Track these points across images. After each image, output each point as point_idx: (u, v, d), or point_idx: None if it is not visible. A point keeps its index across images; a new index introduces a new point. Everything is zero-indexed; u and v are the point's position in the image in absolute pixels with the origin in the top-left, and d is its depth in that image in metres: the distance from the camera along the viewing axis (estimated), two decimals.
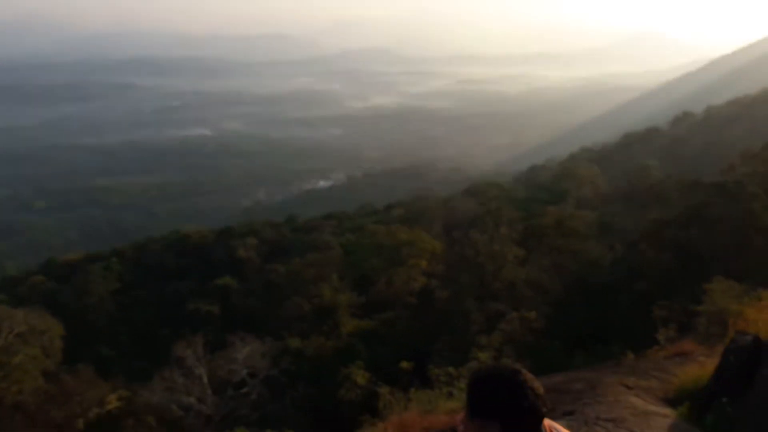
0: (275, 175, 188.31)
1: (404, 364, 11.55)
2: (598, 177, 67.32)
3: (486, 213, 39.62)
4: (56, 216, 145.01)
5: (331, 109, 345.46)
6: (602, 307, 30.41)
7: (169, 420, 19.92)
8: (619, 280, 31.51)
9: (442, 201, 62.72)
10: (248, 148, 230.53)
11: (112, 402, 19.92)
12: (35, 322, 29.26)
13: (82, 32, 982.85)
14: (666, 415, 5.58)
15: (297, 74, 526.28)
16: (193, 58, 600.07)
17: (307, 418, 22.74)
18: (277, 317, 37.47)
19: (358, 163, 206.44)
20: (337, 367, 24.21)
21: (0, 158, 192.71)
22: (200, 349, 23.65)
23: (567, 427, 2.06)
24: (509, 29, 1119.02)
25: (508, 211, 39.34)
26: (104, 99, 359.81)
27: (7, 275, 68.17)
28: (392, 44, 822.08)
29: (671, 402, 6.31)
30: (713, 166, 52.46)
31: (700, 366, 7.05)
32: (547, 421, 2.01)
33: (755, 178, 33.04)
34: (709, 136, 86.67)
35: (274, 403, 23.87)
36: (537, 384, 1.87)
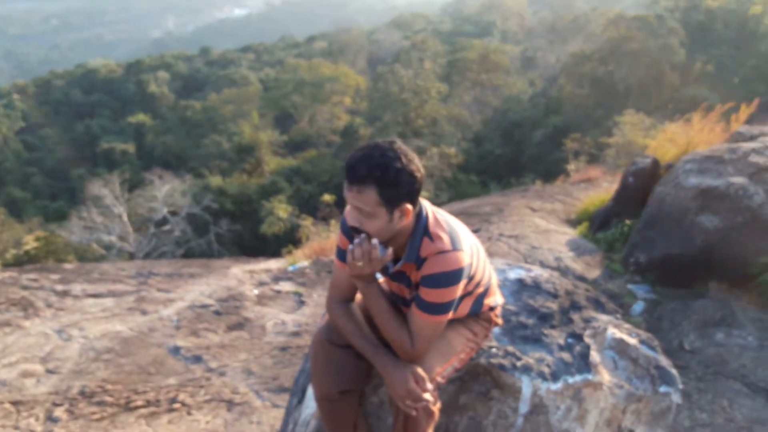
0: (186, 3, 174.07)
1: (326, 197, 11.68)
2: (525, 9, 66.19)
3: (411, 47, 38.61)
4: None
5: None
6: (519, 141, 31.53)
7: (90, 259, 19.84)
8: (536, 115, 32.39)
9: (366, 33, 60.36)
10: None
11: (30, 242, 19.48)
12: None
13: None
14: (565, 233, 6.03)
15: None
16: None
17: (231, 252, 23.27)
18: (197, 156, 36.67)
19: None
20: (260, 202, 24.41)
21: None
22: (117, 188, 23.10)
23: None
24: None
25: (433, 45, 38.47)
26: None
27: None
28: None
29: (573, 223, 6.80)
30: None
31: (604, 191, 7.56)
32: (428, 204, 2.05)
33: (676, 14, 33.42)
34: None
35: (198, 239, 24.15)
36: (412, 153, 1.88)
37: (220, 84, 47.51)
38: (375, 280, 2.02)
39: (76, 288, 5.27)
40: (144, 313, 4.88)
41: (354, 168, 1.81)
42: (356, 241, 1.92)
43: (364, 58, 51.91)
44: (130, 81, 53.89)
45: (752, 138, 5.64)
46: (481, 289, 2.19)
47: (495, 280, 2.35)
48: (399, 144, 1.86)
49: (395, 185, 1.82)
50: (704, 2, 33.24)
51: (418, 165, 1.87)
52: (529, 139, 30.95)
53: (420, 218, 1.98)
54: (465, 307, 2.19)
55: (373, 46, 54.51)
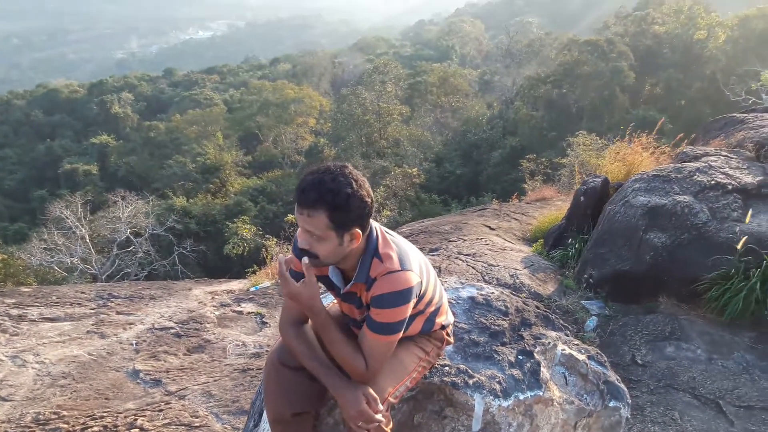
0: (150, 24, 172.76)
1: (290, 217, 11.70)
2: (482, 34, 67.69)
3: (374, 70, 39.06)
4: None
5: None
6: (478, 161, 32.12)
7: (51, 281, 19.31)
8: (494, 136, 33.07)
9: (329, 56, 60.84)
10: None
11: None
12: None
13: None
14: (521, 251, 6.18)
15: None
16: None
17: (195, 273, 22.94)
18: (161, 176, 36.22)
19: (239, 12, 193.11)
20: (225, 223, 24.17)
21: None
22: (80, 209, 22.62)
23: (431, 260, 2.20)
24: None
25: (395, 68, 39.01)
26: None
27: None
28: None
29: (529, 241, 6.97)
30: (591, 24, 54.22)
31: (557, 209, 7.77)
32: (378, 225, 2.09)
33: (626, 38, 34.61)
34: None
35: (162, 260, 23.77)
36: (363, 178, 1.92)
37: (185, 105, 47.20)
38: (322, 310, 2.02)
39: (33, 312, 5.17)
40: (103, 336, 4.82)
41: (305, 192, 1.85)
42: (281, 257, 1.96)
43: (328, 80, 52.27)
44: (93, 101, 53.12)
45: (696, 158, 5.89)
46: (432, 308, 2.22)
47: (446, 299, 2.38)
48: (350, 169, 1.91)
49: (346, 210, 1.85)
50: (652, 28, 34.51)
51: (368, 190, 1.91)
52: (487, 160, 31.57)
53: (370, 239, 2.02)
54: (417, 326, 2.23)
55: (336, 68, 54.97)
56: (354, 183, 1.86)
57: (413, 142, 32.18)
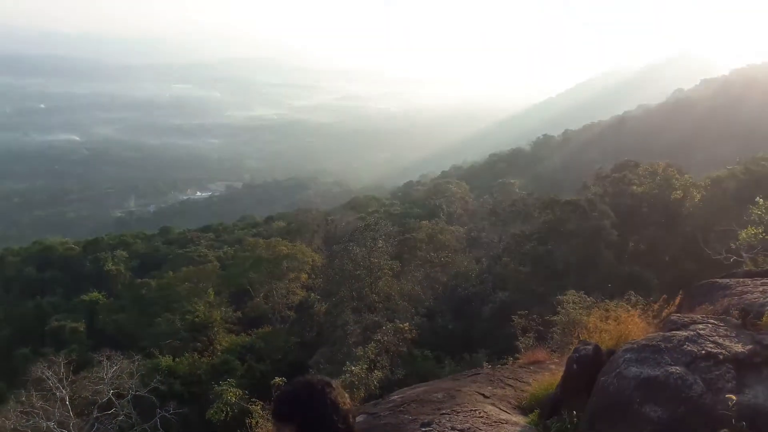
0: (149, 185, 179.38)
1: (277, 380, 11.44)
2: (467, 194, 70.74)
3: (365, 227, 40.19)
4: None
5: (211, 118, 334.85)
6: (469, 316, 32.04)
7: None
8: (484, 291, 33.31)
9: (323, 214, 62.87)
10: (121, 155, 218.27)
11: None
12: None
13: None
14: (516, 423, 6.01)
15: (176, 80, 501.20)
16: (62, 58, 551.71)
17: None
18: (149, 334, 35.63)
19: (238, 174, 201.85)
20: (211, 384, 23.39)
21: None
22: (62, 370, 21.95)
23: None
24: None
25: (385, 226, 40.19)
26: None
27: None
28: (278, 55, 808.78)
29: (524, 409, 6.79)
30: (570, 184, 57.05)
31: (551, 374, 7.66)
32: None
33: (606, 198, 36.25)
34: (566, 157, 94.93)
35: (143, 423, 22.68)
36: (343, 399, 1.93)
37: (179, 262, 47.74)
38: None
39: None
40: None
41: (279, 404, 1.89)
42: None
43: (321, 236, 53.48)
44: (87, 259, 53.68)
45: (685, 326, 5.96)
46: None
47: None
48: (332, 388, 1.92)
49: (316, 428, 1.87)
50: (630, 188, 36.31)
51: (345, 413, 1.92)
52: (479, 314, 31.50)
53: None
54: None
55: (329, 225, 56.50)
56: (330, 402, 1.89)
57: (404, 297, 32.23)
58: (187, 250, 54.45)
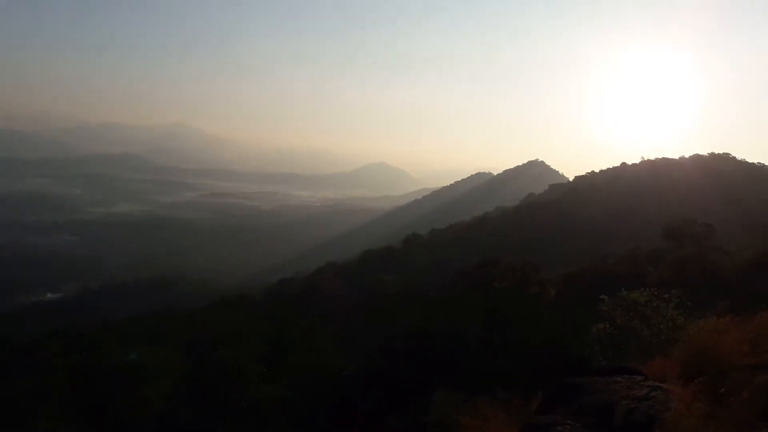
0: None
1: None
2: (341, 290, 70.96)
3: (235, 329, 38.64)
4: None
5: (68, 215, 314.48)
6: (344, 419, 31.08)
7: None
8: (358, 390, 32.74)
9: (187, 315, 59.71)
10: None
11: None
12: None
13: None
14: None
15: (31, 174, 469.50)
16: None
17: None
18: None
19: (96, 274, 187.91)
20: None
21: None
22: None
23: None
24: (265, 150, 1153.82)
25: (257, 326, 38.90)
26: None
27: None
28: (144, 152, 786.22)
29: None
30: (437, 279, 59.34)
31: None
32: None
33: (470, 294, 37.91)
34: (433, 254, 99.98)
35: None
36: None
37: (22, 372, 42.45)
38: None
39: None
40: None
41: None
42: None
43: (185, 340, 50.48)
44: None
45: (545, 428, 6.12)
46: None
47: None
48: None
49: None
50: (492, 284, 38.27)
51: None
52: (353, 417, 30.57)
53: None
54: None
55: (194, 327, 53.62)
56: None
57: (276, 403, 30.80)
58: (31, 358, 48.68)
